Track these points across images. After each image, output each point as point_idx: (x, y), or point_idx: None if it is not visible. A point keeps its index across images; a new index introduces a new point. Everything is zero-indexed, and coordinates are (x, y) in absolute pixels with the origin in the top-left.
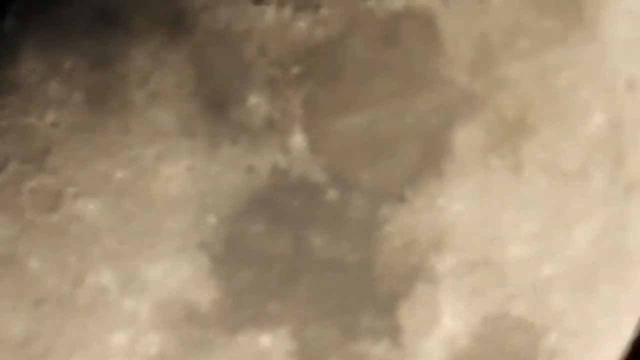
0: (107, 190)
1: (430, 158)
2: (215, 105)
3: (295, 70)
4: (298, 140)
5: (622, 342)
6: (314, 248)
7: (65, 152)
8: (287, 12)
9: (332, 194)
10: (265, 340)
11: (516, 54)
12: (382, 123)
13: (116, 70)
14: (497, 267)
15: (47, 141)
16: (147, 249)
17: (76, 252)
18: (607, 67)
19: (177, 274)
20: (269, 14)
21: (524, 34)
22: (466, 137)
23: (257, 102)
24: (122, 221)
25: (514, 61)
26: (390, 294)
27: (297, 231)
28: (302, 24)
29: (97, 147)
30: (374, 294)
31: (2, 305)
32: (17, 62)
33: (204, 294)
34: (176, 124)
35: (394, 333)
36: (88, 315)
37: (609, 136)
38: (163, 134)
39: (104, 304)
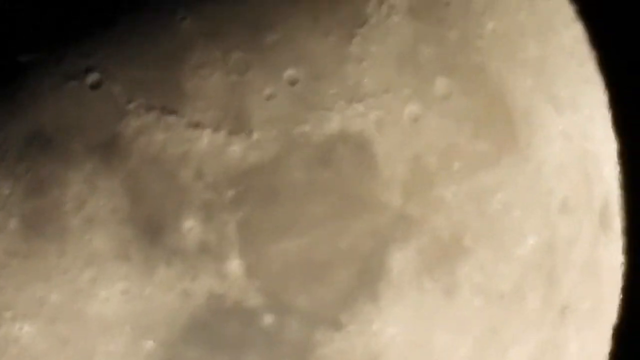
0: (43, 313)
1: (366, 281)
2: (149, 230)
3: (231, 193)
4: (234, 265)
5: None
6: None
7: (3, 278)
8: (222, 136)
9: (267, 319)
10: None
11: (451, 176)
12: (318, 246)
13: (52, 196)
14: None
15: None
16: None
17: None
18: (541, 189)
19: None
20: (204, 138)
21: (458, 157)
22: (401, 260)
23: (191, 226)
24: (57, 345)
25: (448, 183)
26: None
27: (233, 356)
28: (236, 148)
29: (33, 272)
30: None
31: None
32: None
33: None
34: (111, 248)
35: None
36: None
37: (543, 257)
38: (98, 257)
39: None
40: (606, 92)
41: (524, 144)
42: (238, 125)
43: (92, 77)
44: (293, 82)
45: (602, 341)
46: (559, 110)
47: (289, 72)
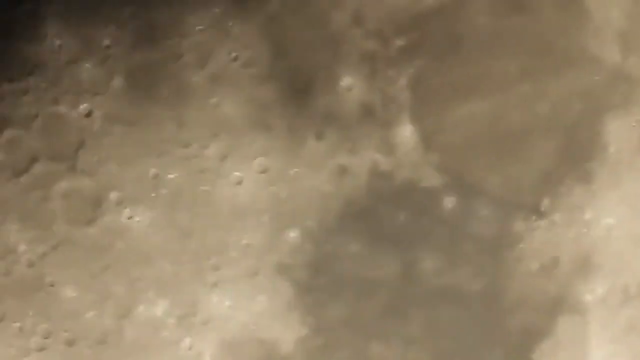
0: (158, 197)
1: (573, 158)
2: (296, 90)
3: (399, 43)
4: (405, 133)
5: None
6: (426, 273)
7: (103, 149)
8: None
9: (449, 203)
10: None
11: None
12: (510, 112)
13: (167, 47)
14: None
15: (81, 134)
16: (210, 273)
17: (121, 277)
18: None
19: (249, 306)
20: None
21: None
22: (618, 132)
23: (350, 85)
24: (178, 237)
25: None
26: (524, 332)
27: (404, 252)
28: None
29: (142, 144)
30: (503, 331)
31: (27, 344)
32: (40, 37)
33: (285, 331)
34: (245, 115)
35: None
36: (137, 356)
37: None
38: (229, 127)
39: (158, 343)
40: None
41: None
42: None
43: None
44: None
45: None
46: None
47: None
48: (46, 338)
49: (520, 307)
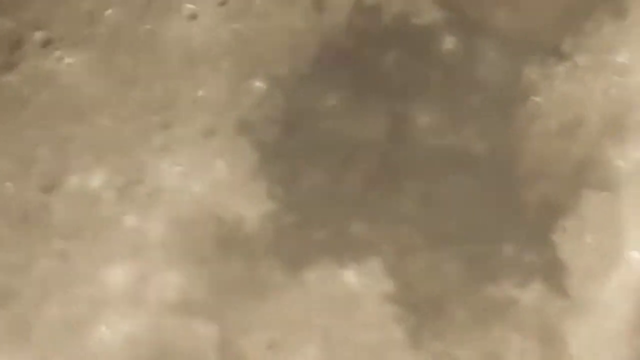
0: (94, 38)
1: None
2: None
3: None
4: None
5: None
6: (421, 133)
7: None
8: None
9: (449, 44)
10: (348, 277)
11: None
12: None
13: None
14: None
15: None
16: (157, 132)
17: (47, 137)
18: None
19: (205, 173)
20: None
21: None
22: None
23: None
24: (117, 87)
25: None
26: (542, 207)
27: (394, 105)
28: None
29: None
30: (516, 206)
31: None
32: None
33: (249, 206)
34: None
35: (551, 271)
36: (67, 238)
37: None
38: None
39: (93, 221)
40: None
41: None
42: None
43: None
44: None
45: None
46: None
47: None
48: None
49: (536, 176)
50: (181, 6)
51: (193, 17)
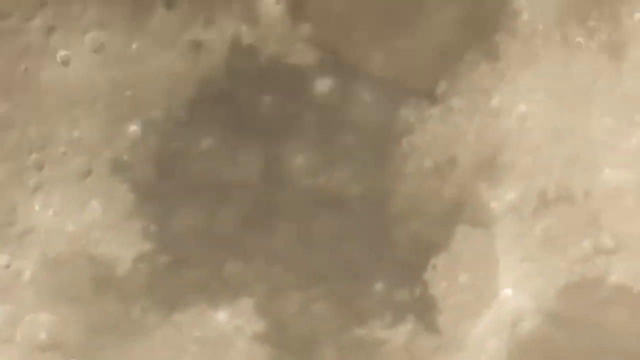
0: None
1: (477, 29)
2: None
3: None
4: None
5: None
6: (295, 174)
7: None
8: None
9: (323, 86)
10: (220, 318)
11: None
12: None
13: None
14: (581, 203)
15: None
16: (31, 173)
17: None
18: None
19: (79, 214)
20: None
21: None
22: None
23: None
24: None
25: None
26: (414, 246)
27: (269, 146)
28: None
29: None
30: (388, 245)
31: None
32: None
33: (123, 247)
34: None
35: (422, 309)
36: None
37: None
38: None
39: None
40: None
41: None
42: None
43: None
44: None
45: None
46: None
47: None
48: None
49: (408, 215)
50: (56, 51)
51: (66, 63)
